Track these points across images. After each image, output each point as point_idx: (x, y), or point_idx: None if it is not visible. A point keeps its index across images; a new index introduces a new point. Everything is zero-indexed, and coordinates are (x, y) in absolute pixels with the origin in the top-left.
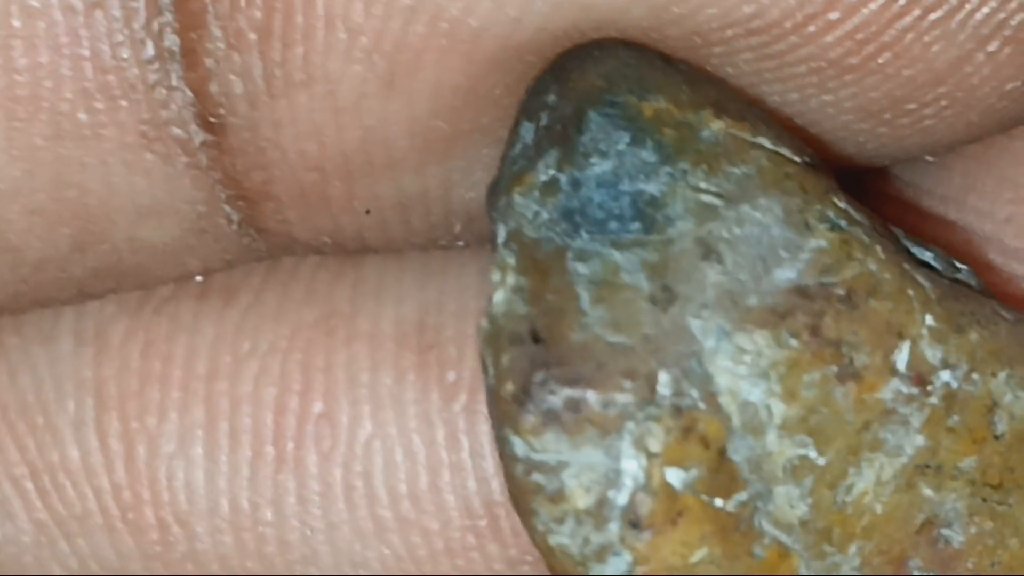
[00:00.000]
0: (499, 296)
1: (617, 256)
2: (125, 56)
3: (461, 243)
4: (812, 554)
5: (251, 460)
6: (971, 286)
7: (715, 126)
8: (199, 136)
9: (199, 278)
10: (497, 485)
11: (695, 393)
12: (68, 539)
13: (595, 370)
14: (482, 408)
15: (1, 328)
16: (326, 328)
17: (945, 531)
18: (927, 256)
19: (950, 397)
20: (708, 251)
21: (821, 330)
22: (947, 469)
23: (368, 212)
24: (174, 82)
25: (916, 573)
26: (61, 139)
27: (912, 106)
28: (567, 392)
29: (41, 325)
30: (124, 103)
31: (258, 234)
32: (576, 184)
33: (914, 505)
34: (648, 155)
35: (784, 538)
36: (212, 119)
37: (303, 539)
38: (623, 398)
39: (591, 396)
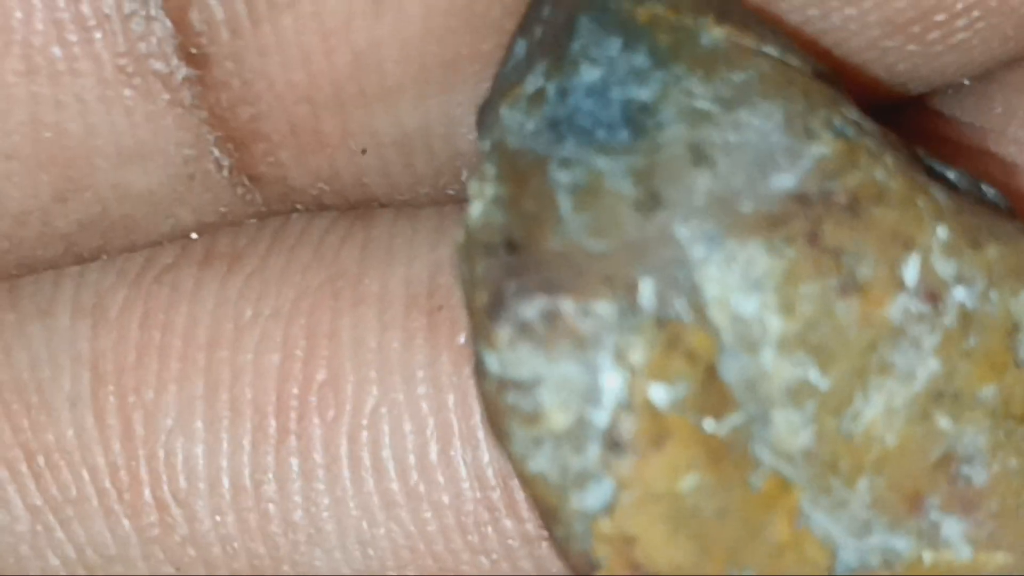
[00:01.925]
0: (476, 207)
1: (602, 162)
2: None
3: None
4: (816, 487)
5: (253, 433)
6: (992, 201)
7: (716, 33)
8: (181, 70)
9: (194, 235)
10: None
11: (681, 303)
12: (64, 525)
13: (572, 277)
14: None
15: None
16: (332, 290)
17: (965, 468)
18: (950, 173)
19: (966, 317)
20: (699, 156)
21: (820, 238)
22: (965, 398)
23: (364, 151)
24: (152, 11)
25: (934, 513)
26: (34, 76)
27: (941, 17)
28: (541, 301)
29: (38, 299)
30: (99, 35)
31: (251, 182)
32: (563, 93)
33: (929, 437)
34: (641, 60)
35: (784, 468)
36: (194, 50)
37: (308, 517)
38: (601, 307)
39: (567, 305)
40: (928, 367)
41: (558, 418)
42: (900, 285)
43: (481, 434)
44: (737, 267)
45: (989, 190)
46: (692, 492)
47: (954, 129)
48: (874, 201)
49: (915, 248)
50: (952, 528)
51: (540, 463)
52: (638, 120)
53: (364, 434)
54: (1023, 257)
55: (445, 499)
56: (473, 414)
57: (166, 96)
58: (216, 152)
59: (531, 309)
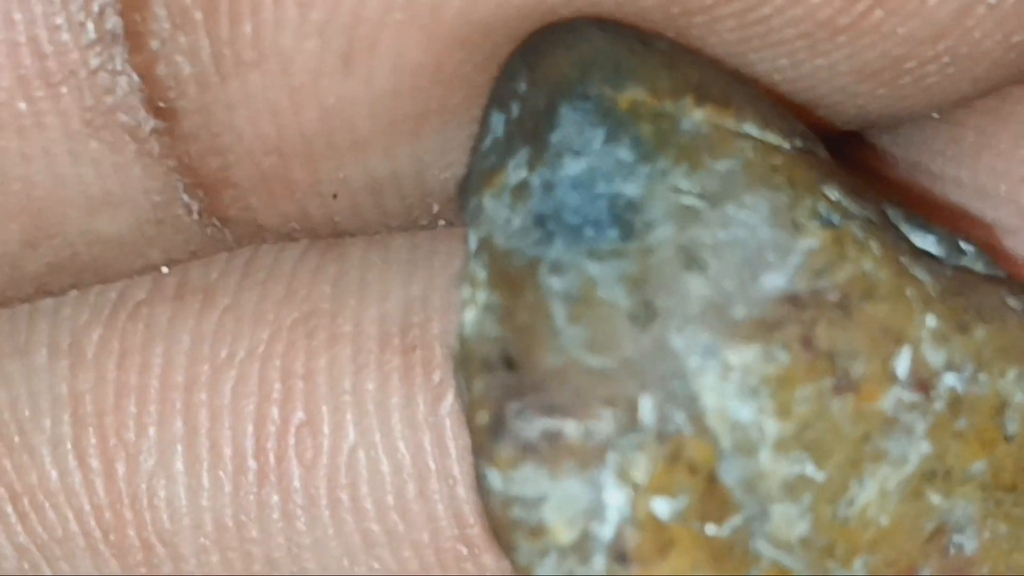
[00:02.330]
0: (469, 315)
1: (594, 268)
2: (64, 40)
3: (442, 222)
4: (814, 572)
5: (232, 475)
6: (977, 271)
7: (697, 116)
8: (148, 122)
9: (165, 269)
10: None
11: (680, 416)
12: (51, 563)
13: (572, 398)
14: None
15: None
16: (306, 330)
17: (957, 537)
18: (929, 241)
19: (956, 401)
20: (691, 260)
21: (813, 341)
22: (956, 474)
23: (335, 196)
24: (118, 66)
25: None
26: (1, 131)
27: (912, 64)
28: (543, 423)
29: (15, 337)
30: (65, 90)
31: (222, 223)
32: (549, 186)
33: (922, 514)
34: (625, 153)
35: (783, 559)
36: (161, 104)
37: (290, 556)
38: (603, 427)
39: (569, 426)
40: (920, 450)
41: (563, 533)
42: (892, 379)
43: (458, 472)
44: (734, 376)
45: (968, 249)
46: None
47: (925, 157)
48: (864, 296)
49: (906, 342)
50: None
51: (546, 571)
52: (626, 218)
53: (342, 475)
54: (1009, 336)
55: (424, 537)
56: (449, 453)
57: (133, 147)
58: (185, 198)
59: (533, 431)
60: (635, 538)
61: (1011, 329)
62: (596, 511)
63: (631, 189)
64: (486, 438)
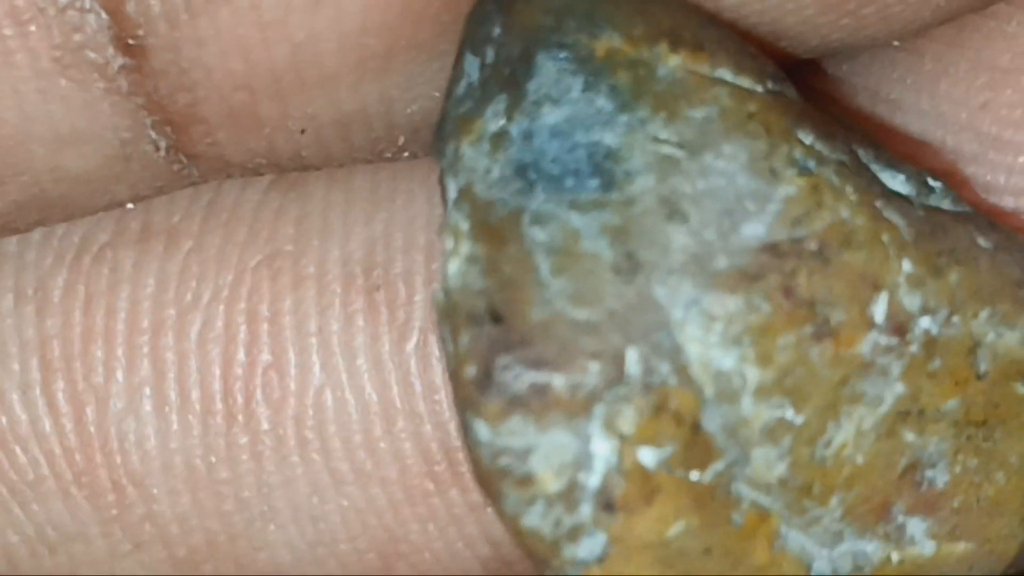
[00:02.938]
0: (453, 267)
1: (576, 220)
2: None
3: (407, 154)
4: (792, 511)
5: (201, 417)
6: (945, 209)
7: (672, 62)
8: (117, 60)
9: (130, 205)
10: (454, 428)
11: (665, 367)
12: (23, 506)
13: (559, 351)
14: (434, 349)
15: None
16: (270, 272)
17: (929, 472)
18: (899, 180)
19: (930, 343)
20: (672, 211)
21: (794, 290)
22: (929, 413)
23: (303, 132)
24: (87, 4)
25: (900, 517)
26: None
27: None
28: (531, 376)
29: None
30: (33, 28)
31: (188, 159)
32: (528, 135)
33: (896, 451)
34: (603, 102)
35: (762, 499)
36: (131, 41)
37: (260, 496)
38: (590, 380)
39: (557, 380)
40: (895, 391)
41: (551, 482)
42: (870, 324)
43: (424, 410)
44: (716, 326)
45: (936, 185)
46: (679, 537)
47: (885, 86)
48: (842, 244)
49: (883, 288)
50: (916, 527)
51: (533, 520)
52: (606, 168)
53: (310, 415)
54: (981, 277)
55: (392, 474)
56: (415, 392)
57: (102, 85)
58: (153, 134)
59: (521, 384)
60: (621, 487)
61: (983, 270)
62: (583, 461)
63: (610, 138)
64: (473, 391)
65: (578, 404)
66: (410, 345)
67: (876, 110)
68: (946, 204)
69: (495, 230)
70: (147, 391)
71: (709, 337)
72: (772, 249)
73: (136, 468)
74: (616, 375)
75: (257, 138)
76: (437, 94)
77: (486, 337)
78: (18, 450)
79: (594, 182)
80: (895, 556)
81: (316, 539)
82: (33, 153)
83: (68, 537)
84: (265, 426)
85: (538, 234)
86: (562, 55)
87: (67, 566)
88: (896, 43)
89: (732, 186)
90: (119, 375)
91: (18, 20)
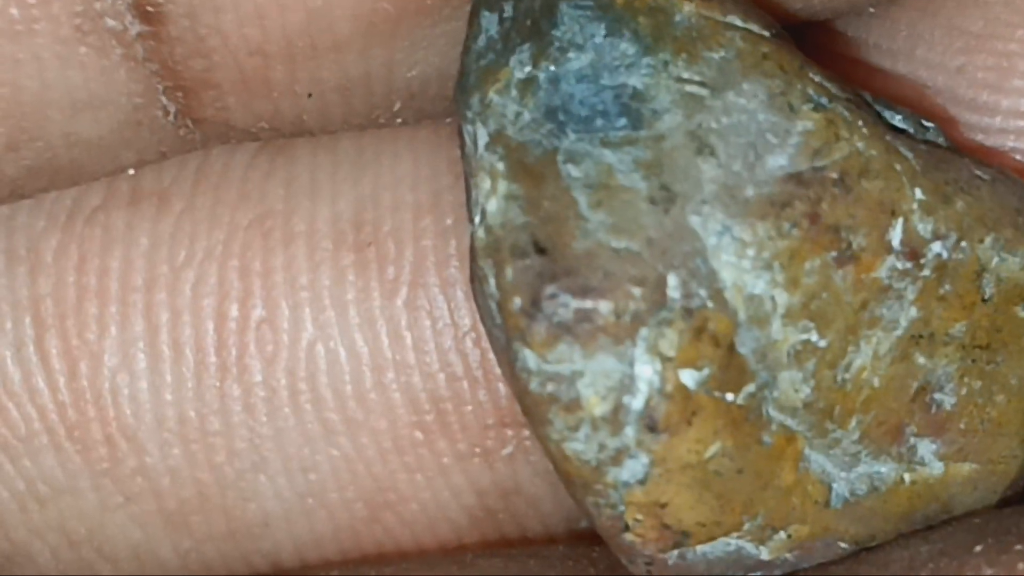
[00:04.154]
0: (492, 205)
1: (609, 156)
2: None
3: (399, 120)
4: (815, 433)
5: (195, 370)
6: (941, 144)
7: (686, 8)
8: (135, 27)
9: (131, 171)
10: (443, 379)
11: (703, 292)
12: (13, 461)
13: (604, 279)
14: (423, 303)
15: None
16: (261, 230)
17: (938, 395)
18: (897, 119)
19: (941, 267)
20: (701, 145)
21: (820, 217)
22: (939, 336)
23: (310, 96)
24: None
25: (912, 439)
26: None
27: None
28: (578, 303)
29: None
30: None
31: (194, 124)
32: (555, 80)
33: (909, 374)
34: (627, 46)
35: (789, 422)
36: (150, 8)
37: (251, 446)
38: (635, 305)
39: (603, 306)
40: (909, 314)
41: (597, 406)
42: (888, 249)
43: (414, 361)
44: (749, 251)
45: (929, 126)
46: (715, 458)
47: (862, 50)
48: (861, 173)
49: (899, 214)
50: (926, 448)
51: (577, 445)
52: (633, 108)
53: (302, 367)
54: (984, 205)
55: (382, 424)
56: (405, 344)
57: (119, 51)
58: (164, 100)
59: (568, 312)
60: (664, 408)
61: (985, 198)
62: (627, 384)
63: (635, 80)
64: (521, 321)
65: (623, 329)
66: (400, 299)
67: (855, 75)
68: (940, 141)
69: (532, 169)
70: (141, 346)
71: (742, 262)
72: (796, 178)
73: (129, 422)
74: (659, 300)
75: (265, 102)
76: (436, 59)
77: (532, 269)
78: (11, 406)
79: (623, 120)
80: (907, 477)
81: (306, 489)
82: (49, 119)
83: (58, 491)
84: (258, 378)
85: (573, 171)
86: (584, 3)
87: (56, 520)
88: (871, 10)
89: (754, 121)
90: (113, 331)
91: None
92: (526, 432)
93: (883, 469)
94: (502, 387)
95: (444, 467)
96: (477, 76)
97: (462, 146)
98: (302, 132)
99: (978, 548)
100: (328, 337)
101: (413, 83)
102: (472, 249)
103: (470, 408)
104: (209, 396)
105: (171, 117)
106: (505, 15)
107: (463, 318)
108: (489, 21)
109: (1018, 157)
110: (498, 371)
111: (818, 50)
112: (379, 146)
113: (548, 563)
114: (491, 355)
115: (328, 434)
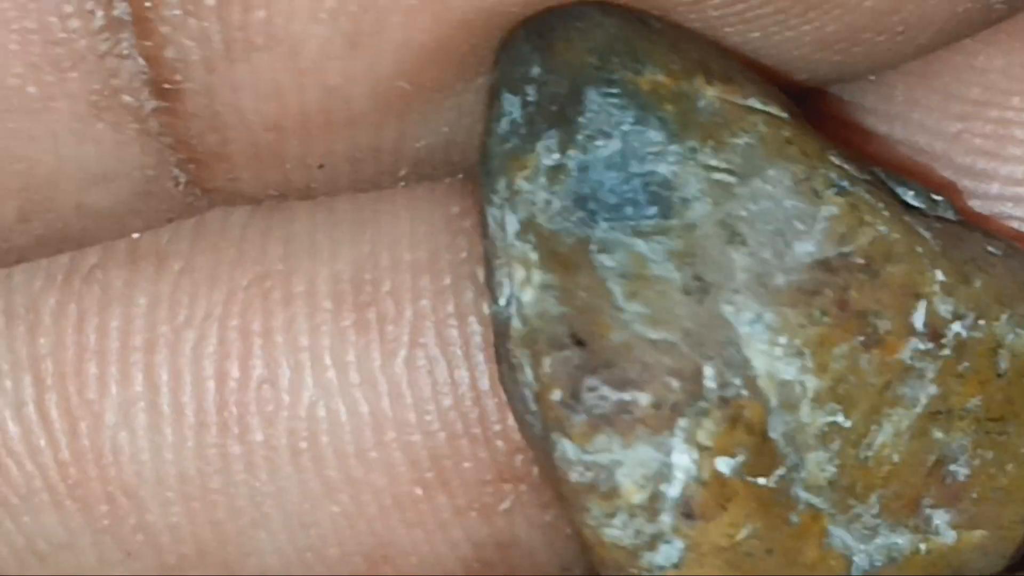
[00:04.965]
0: (528, 295)
1: (642, 245)
2: (74, 27)
3: (402, 184)
4: (838, 510)
5: (195, 429)
6: (952, 219)
7: (709, 94)
8: (151, 103)
9: (136, 235)
10: (443, 437)
11: (738, 380)
12: (13, 518)
13: (642, 371)
14: (423, 362)
15: None
16: (261, 291)
17: (952, 467)
18: (910, 195)
19: (960, 346)
20: (732, 234)
21: (848, 304)
22: (956, 411)
23: (321, 167)
24: (125, 50)
25: (927, 510)
26: (10, 113)
27: (868, 35)
28: (617, 395)
29: None
30: (74, 74)
31: (203, 193)
32: (584, 167)
33: (927, 449)
34: (654, 134)
35: (815, 500)
36: (167, 85)
37: (252, 504)
38: (672, 396)
39: (642, 398)
40: (928, 392)
41: (635, 494)
42: (911, 331)
43: (414, 419)
44: (781, 339)
45: (939, 199)
46: (747, 539)
47: (859, 115)
48: (885, 258)
49: (922, 296)
50: (941, 518)
51: (614, 531)
52: (663, 196)
53: (303, 426)
54: (999, 282)
55: (382, 482)
56: (406, 403)
57: (135, 127)
58: (176, 171)
59: (607, 404)
60: (700, 495)
61: (999, 275)
62: (665, 473)
63: (664, 168)
64: (561, 412)
65: (662, 420)
66: (400, 359)
67: (852, 139)
68: (950, 216)
69: (565, 258)
70: (141, 405)
71: (774, 350)
72: (824, 265)
73: (129, 480)
74: (696, 390)
75: (276, 173)
76: (446, 129)
77: (571, 361)
78: (11, 464)
79: (653, 209)
80: (923, 547)
81: (305, 544)
82: (62, 191)
83: (58, 547)
84: (259, 437)
85: (607, 260)
86: (611, 91)
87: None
88: (871, 77)
89: (780, 208)
90: (113, 390)
91: (59, 67)
92: (523, 487)
93: (900, 540)
94: (500, 444)
95: (443, 522)
96: (502, 160)
97: (484, 227)
98: (308, 198)
99: None
100: (329, 396)
101: (421, 152)
102: (501, 335)
103: (469, 465)
104: (210, 454)
105: (181, 187)
106: (529, 98)
107: (462, 377)
108: (511, 103)
109: (1014, 224)
110: (496, 428)
111: (815, 114)
112: (376, 205)
113: None
114: (489, 413)
115: (329, 491)
